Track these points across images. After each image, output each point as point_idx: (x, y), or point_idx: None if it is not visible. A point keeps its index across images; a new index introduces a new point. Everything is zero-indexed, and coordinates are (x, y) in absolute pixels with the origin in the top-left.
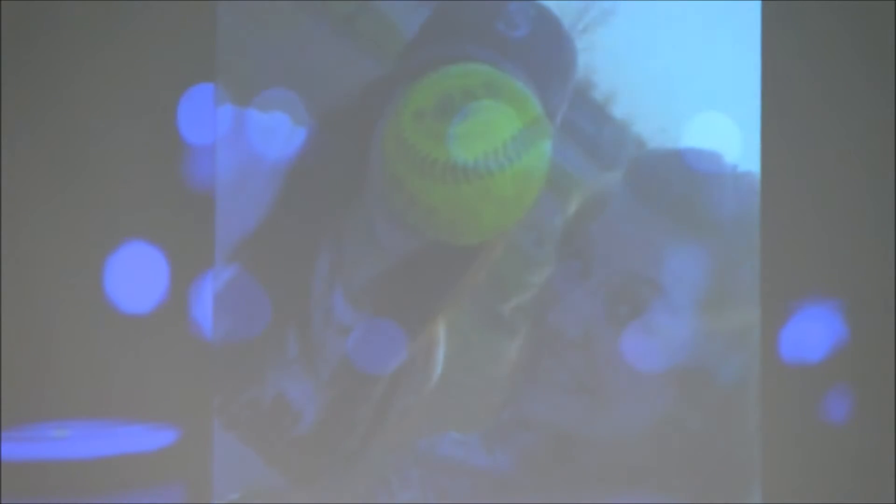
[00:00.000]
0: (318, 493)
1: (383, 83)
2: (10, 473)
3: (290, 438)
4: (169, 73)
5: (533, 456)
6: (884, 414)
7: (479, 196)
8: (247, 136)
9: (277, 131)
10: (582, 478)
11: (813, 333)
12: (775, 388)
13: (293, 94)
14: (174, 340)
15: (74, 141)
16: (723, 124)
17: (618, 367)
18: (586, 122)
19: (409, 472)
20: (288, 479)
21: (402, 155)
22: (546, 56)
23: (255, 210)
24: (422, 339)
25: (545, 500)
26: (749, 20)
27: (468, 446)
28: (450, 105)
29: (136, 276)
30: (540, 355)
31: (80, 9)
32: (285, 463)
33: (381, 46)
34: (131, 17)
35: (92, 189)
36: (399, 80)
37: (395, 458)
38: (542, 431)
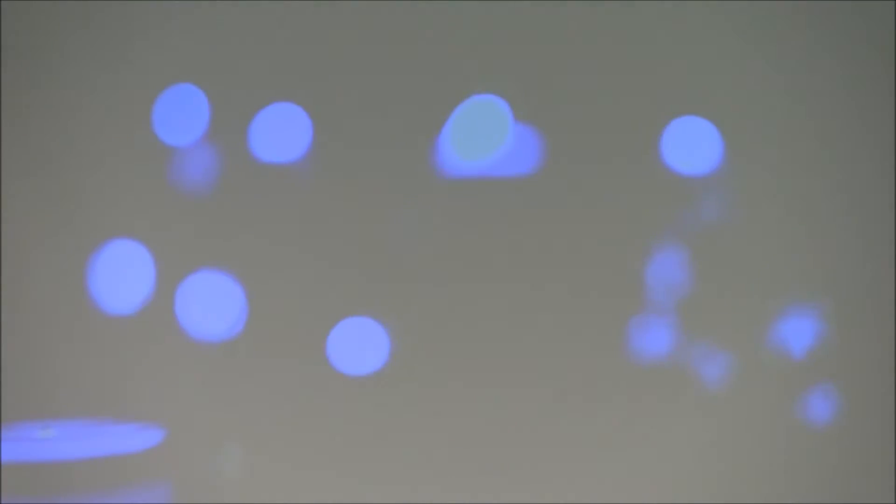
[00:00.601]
0: (307, 492)
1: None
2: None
3: (279, 438)
4: (163, 75)
5: (521, 453)
6: (868, 413)
7: None
8: (239, 138)
9: (272, 133)
10: (572, 478)
11: (797, 333)
12: (760, 388)
13: (287, 98)
14: (161, 341)
15: (65, 143)
16: (707, 126)
17: (606, 367)
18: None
19: (396, 470)
20: (276, 479)
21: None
22: None
23: (245, 211)
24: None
25: (536, 498)
26: (738, 20)
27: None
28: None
29: (122, 277)
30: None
31: (71, 8)
32: (273, 462)
33: (380, 48)
34: (121, 16)
35: (79, 190)
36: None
37: (387, 456)
38: (529, 429)
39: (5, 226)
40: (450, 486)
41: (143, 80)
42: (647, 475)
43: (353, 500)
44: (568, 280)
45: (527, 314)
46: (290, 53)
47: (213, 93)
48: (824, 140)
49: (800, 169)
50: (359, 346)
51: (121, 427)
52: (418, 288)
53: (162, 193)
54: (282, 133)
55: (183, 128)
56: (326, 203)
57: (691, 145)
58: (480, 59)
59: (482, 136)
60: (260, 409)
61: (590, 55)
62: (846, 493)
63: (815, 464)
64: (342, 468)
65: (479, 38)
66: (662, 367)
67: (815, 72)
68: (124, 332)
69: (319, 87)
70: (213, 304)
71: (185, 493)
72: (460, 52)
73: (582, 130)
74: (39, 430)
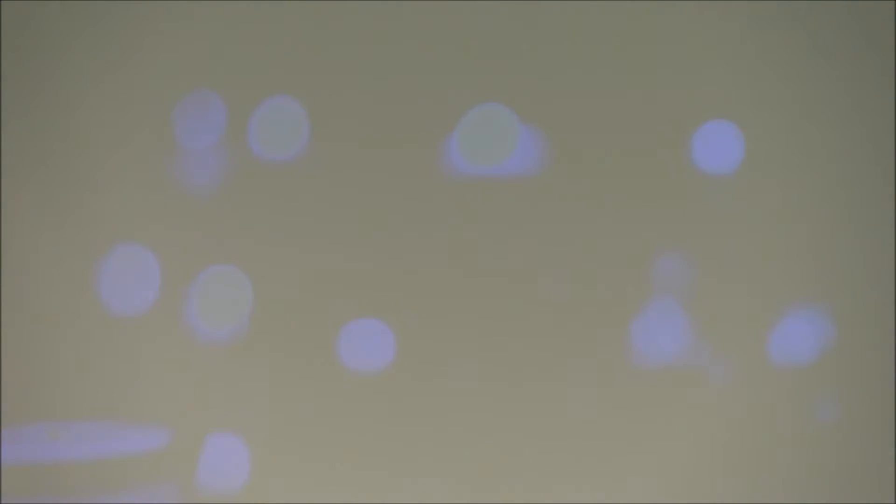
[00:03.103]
0: (312, 492)
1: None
2: (6, 474)
3: (284, 438)
4: (167, 76)
5: (525, 453)
6: (873, 415)
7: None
8: (243, 140)
9: (275, 134)
10: (575, 477)
11: (803, 335)
12: (765, 390)
13: (291, 98)
14: (167, 342)
15: (70, 144)
16: (713, 128)
17: (610, 367)
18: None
19: (402, 470)
20: (280, 479)
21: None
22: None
23: (251, 212)
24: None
25: (539, 498)
26: (735, 22)
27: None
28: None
29: (129, 279)
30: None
31: (77, 10)
32: (278, 463)
33: (380, 50)
34: (130, 19)
35: (86, 192)
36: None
37: (389, 456)
38: (534, 429)
39: (14, 228)
40: (459, 484)
41: (147, 79)
42: (650, 475)
43: (362, 500)
44: (575, 280)
45: (533, 314)
46: (295, 54)
47: (219, 91)
48: (839, 140)
49: (808, 170)
50: (366, 346)
51: (128, 428)
52: (427, 287)
53: (168, 194)
54: (287, 132)
55: (188, 127)
56: (333, 203)
57: (702, 146)
58: (487, 61)
59: (490, 141)
60: (267, 409)
61: (597, 56)
62: (846, 494)
63: (815, 464)
64: (351, 468)
65: (484, 39)
66: (669, 369)
67: (819, 73)
68: (132, 333)
69: (327, 86)
70: (220, 305)
71: (192, 494)
72: (468, 54)
73: (589, 132)
74: (48, 432)
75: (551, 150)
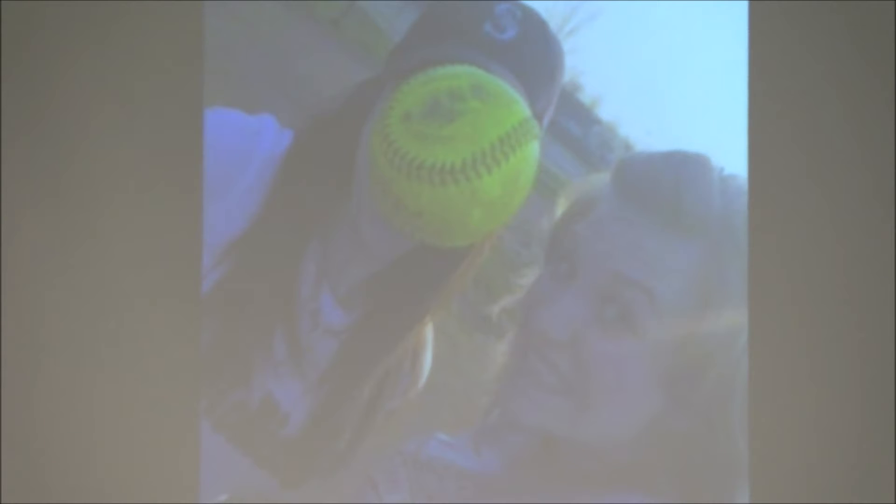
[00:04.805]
0: (306, 494)
1: (370, 85)
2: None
3: (278, 441)
4: (155, 74)
5: (520, 457)
6: (873, 415)
7: (467, 198)
8: (233, 138)
9: (264, 133)
10: (569, 479)
11: (800, 335)
12: (763, 390)
13: (280, 96)
14: (160, 342)
15: (60, 143)
16: (710, 125)
17: (605, 368)
18: (574, 125)
19: (396, 473)
20: (275, 481)
21: (388, 157)
22: (533, 58)
23: (242, 212)
24: (409, 341)
25: (533, 500)
26: (736, 21)
27: (456, 448)
28: (437, 107)
29: (122, 278)
30: (527, 357)
31: (64, 9)
32: (273, 465)
33: (368, 48)
34: (116, 18)
35: (78, 191)
36: (386, 82)
37: (383, 459)
38: (529, 433)
39: (7, 225)
40: (448, 486)
41: (146, 80)
42: (648, 475)
43: (357, 502)
44: (567, 280)
45: (527, 314)
46: (293, 54)
47: (217, 95)
48: (838, 138)
49: (807, 167)
50: (363, 347)
51: (122, 428)
52: (418, 288)
53: (162, 195)
54: (281, 134)
55: (184, 130)
56: (329, 204)
57: (698, 143)
58: None
59: (477, 134)
60: (263, 410)
61: (594, 51)
62: (846, 493)
63: (818, 465)
64: (347, 470)
65: None
66: (665, 367)
67: (818, 71)
68: (125, 333)
69: (316, 89)
70: (213, 306)
71: (187, 496)
72: None
73: (587, 128)
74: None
75: (541, 146)
